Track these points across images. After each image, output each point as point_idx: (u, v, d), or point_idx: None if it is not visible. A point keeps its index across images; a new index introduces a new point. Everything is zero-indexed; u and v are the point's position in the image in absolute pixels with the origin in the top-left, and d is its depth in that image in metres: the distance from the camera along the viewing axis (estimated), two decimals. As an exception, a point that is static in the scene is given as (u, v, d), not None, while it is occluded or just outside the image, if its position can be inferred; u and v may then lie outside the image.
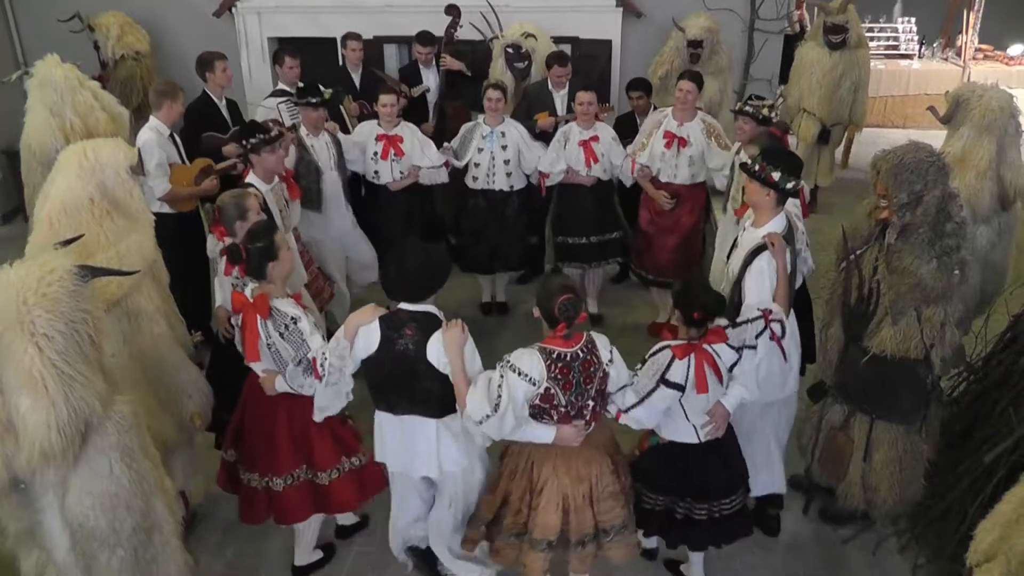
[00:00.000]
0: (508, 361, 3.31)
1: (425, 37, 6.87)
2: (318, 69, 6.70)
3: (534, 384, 3.27)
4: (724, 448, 3.72)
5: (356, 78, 6.95)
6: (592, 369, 3.36)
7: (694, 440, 3.60)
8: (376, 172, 5.85)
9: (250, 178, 4.79)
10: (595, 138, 5.83)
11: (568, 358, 3.30)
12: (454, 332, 3.36)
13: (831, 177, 8.42)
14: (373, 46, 8.10)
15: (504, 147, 5.88)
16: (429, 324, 3.43)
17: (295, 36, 8.03)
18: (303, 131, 5.56)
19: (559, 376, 3.29)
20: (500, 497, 3.59)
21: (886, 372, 4.02)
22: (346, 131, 6.14)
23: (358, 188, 6.13)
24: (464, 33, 7.13)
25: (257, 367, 3.69)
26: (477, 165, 5.94)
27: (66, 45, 6.63)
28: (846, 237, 4.19)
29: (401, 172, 5.82)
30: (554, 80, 6.44)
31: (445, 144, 5.96)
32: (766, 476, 4.27)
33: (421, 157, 5.82)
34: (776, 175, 3.82)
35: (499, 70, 6.93)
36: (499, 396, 3.24)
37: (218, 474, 4.10)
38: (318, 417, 3.66)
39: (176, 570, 3.35)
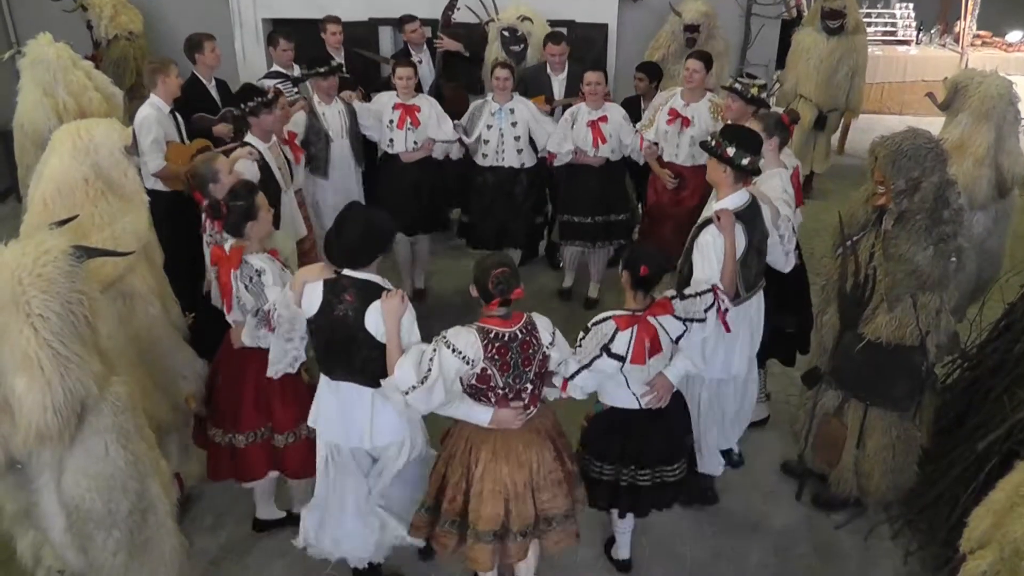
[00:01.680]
0: (444, 336, 3.24)
1: (409, 16, 6.88)
2: (312, 51, 6.64)
3: (468, 363, 3.20)
4: (669, 418, 3.67)
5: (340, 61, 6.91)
6: (531, 351, 3.29)
7: (634, 406, 3.55)
8: (391, 141, 5.85)
9: (248, 137, 4.87)
10: (604, 118, 5.79)
11: (506, 338, 3.23)
12: (393, 301, 3.30)
13: (827, 163, 8.43)
14: (368, 27, 8.07)
15: (514, 124, 5.87)
16: (369, 293, 3.36)
17: (289, 17, 7.97)
18: (315, 99, 5.66)
19: (496, 357, 3.22)
20: (437, 482, 3.50)
21: (881, 359, 4.03)
22: None
23: (373, 157, 6.12)
24: (460, 16, 7.09)
25: (232, 319, 3.76)
26: (486, 142, 5.92)
27: (59, 24, 6.54)
28: (842, 223, 4.19)
29: (415, 143, 5.82)
30: (550, 60, 6.38)
31: (455, 123, 5.95)
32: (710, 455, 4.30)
33: (437, 130, 5.83)
34: (731, 150, 3.77)
35: (495, 53, 6.89)
36: (429, 369, 3.17)
37: (193, 430, 4.14)
38: (270, 372, 3.65)
39: (170, 551, 3.36)
